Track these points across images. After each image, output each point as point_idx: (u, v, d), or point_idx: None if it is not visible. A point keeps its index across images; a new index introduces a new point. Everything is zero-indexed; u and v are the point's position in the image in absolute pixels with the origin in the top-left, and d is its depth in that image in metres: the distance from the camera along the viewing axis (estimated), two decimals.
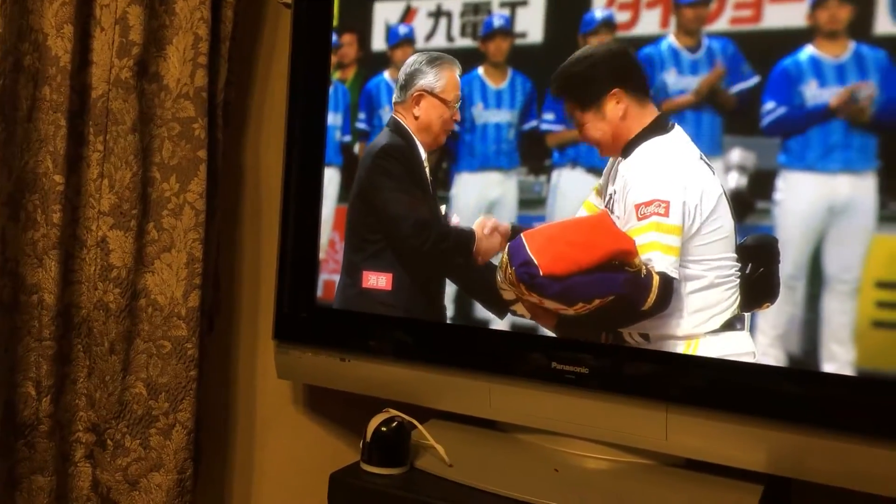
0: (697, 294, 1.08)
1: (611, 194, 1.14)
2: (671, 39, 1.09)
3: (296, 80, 1.39)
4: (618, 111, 1.11)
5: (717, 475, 1.11)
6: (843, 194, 0.98)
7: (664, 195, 1.07)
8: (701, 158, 1.07)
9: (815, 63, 1.00)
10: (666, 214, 1.07)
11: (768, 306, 1.03)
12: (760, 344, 1.04)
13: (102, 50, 1.31)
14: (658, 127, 1.10)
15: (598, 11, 1.13)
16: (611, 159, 1.15)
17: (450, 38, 1.24)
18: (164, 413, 1.36)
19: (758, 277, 1.05)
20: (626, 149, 1.12)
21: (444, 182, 1.26)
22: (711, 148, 1.07)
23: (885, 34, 0.96)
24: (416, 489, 1.11)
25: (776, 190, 1.03)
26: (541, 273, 1.10)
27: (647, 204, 1.08)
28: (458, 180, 1.25)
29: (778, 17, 1.02)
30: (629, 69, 1.11)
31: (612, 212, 1.13)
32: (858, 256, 0.97)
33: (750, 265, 1.05)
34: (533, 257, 1.10)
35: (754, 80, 1.04)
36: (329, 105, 1.36)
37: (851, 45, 0.98)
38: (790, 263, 1.01)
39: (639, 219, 1.09)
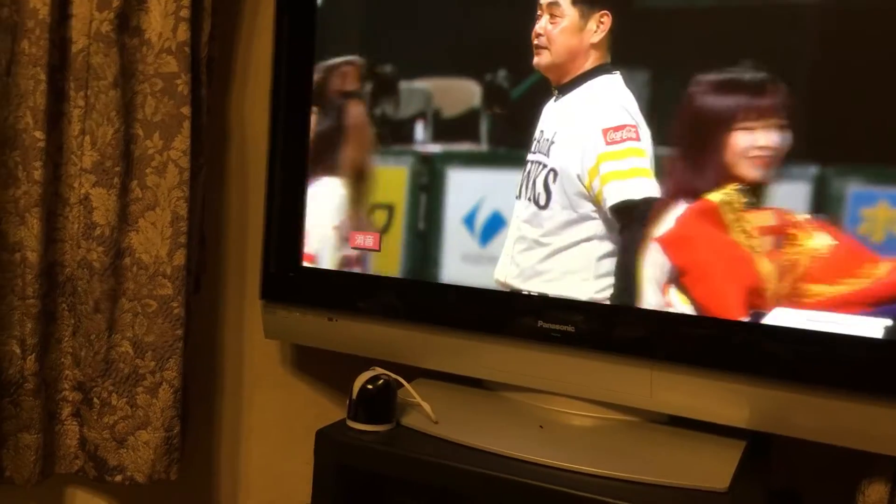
0: None
1: (539, 136, 1.09)
2: None
3: (281, 32, 1.37)
4: (595, 35, 1.05)
5: (701, 431, 1.13)
6: None
7: (631, 120, 1.04)
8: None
9: None
10: (637, 139, 1.04)
11: None
12: None
13: (82, 3, 1.28)
14: (608, 68, 1.07)
15: None
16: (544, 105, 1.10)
17: None
18: (150, 371, 1.36)
19: None
20: (571, 84, 1.08)
21: None
22: None
23: None
24: (400, 445, 1.11)
25: None
26: None
27: (618, 129, 1.05)
28: None
29: None
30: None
31: (546, 154, 1.10)
32: None
33: None
34: None
35: None
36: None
37: None
38: None
39: (609, 143, 1.05)
